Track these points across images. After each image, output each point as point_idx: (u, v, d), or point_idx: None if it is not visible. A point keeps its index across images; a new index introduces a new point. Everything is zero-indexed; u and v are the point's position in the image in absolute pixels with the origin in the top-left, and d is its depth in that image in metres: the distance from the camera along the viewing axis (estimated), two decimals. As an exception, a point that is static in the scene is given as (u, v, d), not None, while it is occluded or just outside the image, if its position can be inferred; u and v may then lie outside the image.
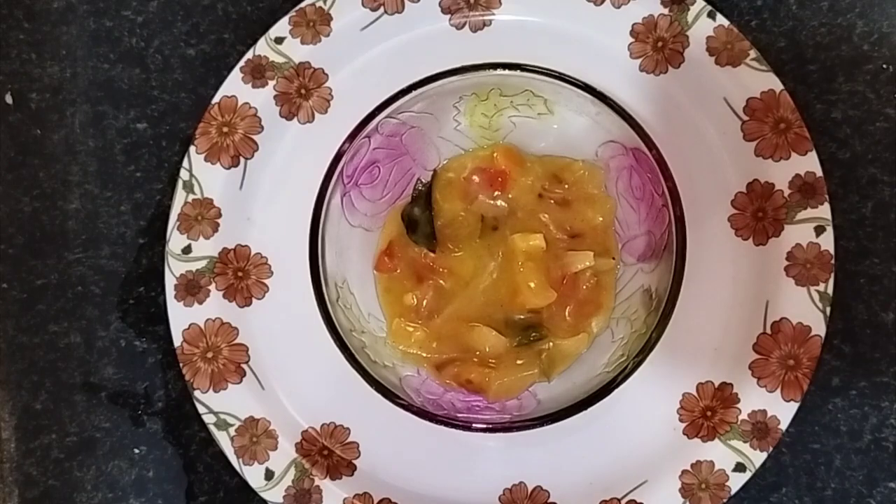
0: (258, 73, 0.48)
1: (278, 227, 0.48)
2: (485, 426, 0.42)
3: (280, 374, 0.47)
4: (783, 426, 0.45)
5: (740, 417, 0.45)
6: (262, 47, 0.48)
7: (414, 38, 0.48)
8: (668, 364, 0.45)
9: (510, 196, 0.46)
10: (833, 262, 0.45)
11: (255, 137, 0.48)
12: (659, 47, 0.47)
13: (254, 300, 0.48)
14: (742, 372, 0.46)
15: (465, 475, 0.46)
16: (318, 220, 0.42)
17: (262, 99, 0.48)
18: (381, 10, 0.48)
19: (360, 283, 0.46)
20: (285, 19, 0.48)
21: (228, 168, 0.48)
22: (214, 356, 0.47)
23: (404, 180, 0.47)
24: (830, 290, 0.45)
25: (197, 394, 0.47)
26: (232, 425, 0.47)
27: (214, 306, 0.48)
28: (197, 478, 0.49)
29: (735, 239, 0.47)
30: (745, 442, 0.45)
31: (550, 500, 0.46)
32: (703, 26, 0.47)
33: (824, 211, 0.46)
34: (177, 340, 0.47)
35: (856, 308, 0.47)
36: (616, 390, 0.41)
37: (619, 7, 0.48)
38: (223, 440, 0.46)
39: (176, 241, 0.48)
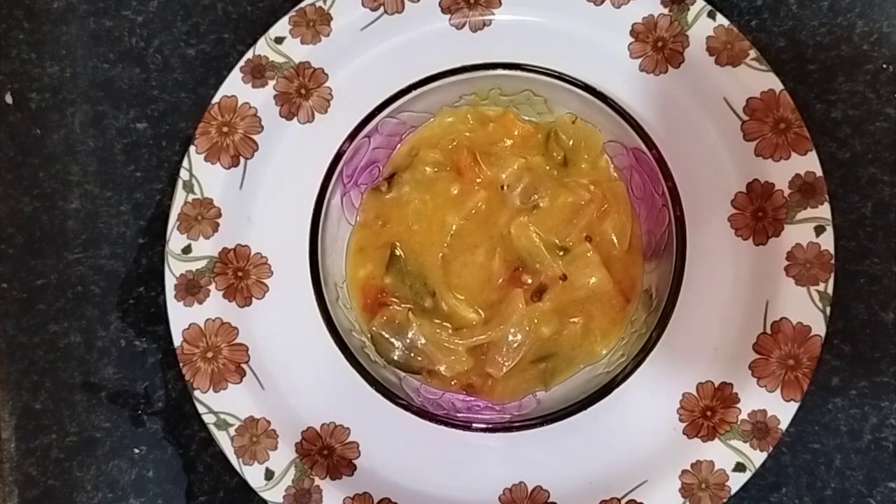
0: (258, 73, 0.48)
1: (278, 227, 0.48)
2: (485, 426, 0.42)
3: (280, 374, 0.47)
4: (783, 426, 0.45)
5: (740, 417, 0.45)
6: (262, 47, 0.48)
7: (414, 38, 0.48)
8: (668, 364, 0.45)
9: None
10: (833, 262, 0.45)
11: (255, 137, 0.48)
12: (659, 47, 0.47)
13: (254, 300, 0.48)
14: (742, 372, 0.46)
15: (465, 475, 0.46)
16: (318, 220, 0.42)
17: (262, 99, 0.48)
18: (381, 10, 0.48)
19: (360, 283, 0.46)
20: (285, 19, 0.48)
21: (228, 168, 0.48)
22: (214, 356, 0.47)
23: (404, 180, 0.47)
24: (830, 290, 0.45)
25: (197, 394, 0.47)
26: (232, 425, 0.47)
27: (214, 306, 0.48)
28: (197, 478, 0.49)
29: (735, 239, 0.46)
30: (745, 442, 0.45)
31: (550, 500, 0.46)
32: (703, 26, 0.47)
33: (824, 211, 0.46)
34: (177, 340, 0.47)
35: (856, 308, 0.47)
36: (616, 390, 0.41)
37: (619, 7, 0.48)
38: (223, 440, 0.46)
39: (176, 240, 0.48)
